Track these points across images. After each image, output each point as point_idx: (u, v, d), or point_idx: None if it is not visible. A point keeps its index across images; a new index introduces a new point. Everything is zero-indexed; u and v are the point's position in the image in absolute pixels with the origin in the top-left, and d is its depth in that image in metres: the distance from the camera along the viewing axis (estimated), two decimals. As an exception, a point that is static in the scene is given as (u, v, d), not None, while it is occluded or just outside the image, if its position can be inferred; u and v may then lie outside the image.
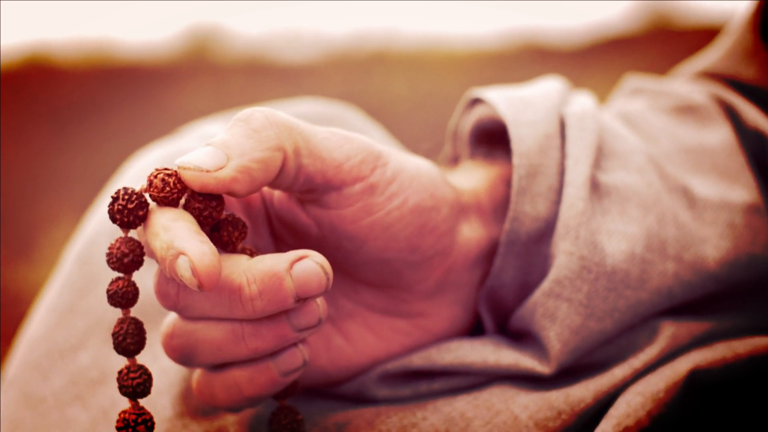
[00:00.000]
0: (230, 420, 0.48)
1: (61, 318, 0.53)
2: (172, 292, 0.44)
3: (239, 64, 3.07)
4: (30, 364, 0.53)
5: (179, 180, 0.43)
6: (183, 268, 0.41)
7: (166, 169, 0.43)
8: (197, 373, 0.46)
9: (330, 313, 0.49)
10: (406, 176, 0.46)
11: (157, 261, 0.42)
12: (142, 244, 0.43)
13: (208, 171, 0.42)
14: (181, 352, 0.45)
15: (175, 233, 0.42)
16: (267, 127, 0.43)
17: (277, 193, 0.48)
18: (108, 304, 0.52)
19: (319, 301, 0.45)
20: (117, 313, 0.52)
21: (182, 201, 0.43)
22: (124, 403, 0.50)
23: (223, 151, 0.42)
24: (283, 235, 0.48)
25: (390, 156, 0.46)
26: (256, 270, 0.43)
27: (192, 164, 0.42)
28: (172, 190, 0.43)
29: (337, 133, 0.46)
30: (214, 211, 0.43)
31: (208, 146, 0.43)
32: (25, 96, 2.87)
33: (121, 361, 0.50)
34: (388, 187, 0.46)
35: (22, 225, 2.32)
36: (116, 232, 0.54)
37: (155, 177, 0.43)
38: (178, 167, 0.42)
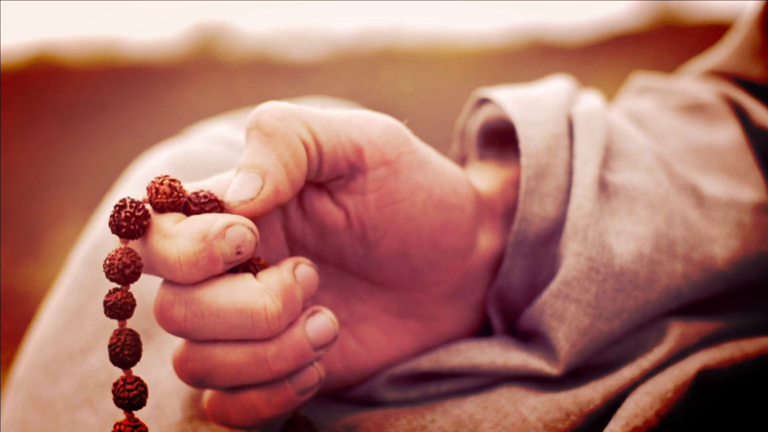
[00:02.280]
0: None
1: (70, 320, 0.53)
2: (178, 316, 0.42)
3: (246, 62, 3.07)
4: (38, 366, 0.53)
5: (180, 185, 0.43)
6: (239, 233, 0.41)
7: (165, 176, 0.43)
8: (208, 392, 0.45)
9: (344, 317, 0.48)
10: (432, 168, 0.46)
11: (160, 273, 0.42)
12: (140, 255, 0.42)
13: (252, 199, 0.42)
14: (196, 377, 0.44)
15: (205, 218, 0.42)
16: (278, 126, 0.43)
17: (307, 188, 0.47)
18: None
19: (334, 317, 0.45)
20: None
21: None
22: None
23: (255, 172, 0.42)
24: (302, 234, 0.47)
25: (417, 144, 0.46)
26: (276, 286, 0.43)
27: (237, 200, 0.42)
28: (179, 194, 0.43)
29: (358, 115, 0.45)
30: None
31: (239, 174, 0.43)
32: (31, 95, 2.88)
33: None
34: (414, 176, 0.45)
35: (29, 224, 2.32)
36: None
37: (161, 184, 0.42)
38: (225, 207, 0.42)
